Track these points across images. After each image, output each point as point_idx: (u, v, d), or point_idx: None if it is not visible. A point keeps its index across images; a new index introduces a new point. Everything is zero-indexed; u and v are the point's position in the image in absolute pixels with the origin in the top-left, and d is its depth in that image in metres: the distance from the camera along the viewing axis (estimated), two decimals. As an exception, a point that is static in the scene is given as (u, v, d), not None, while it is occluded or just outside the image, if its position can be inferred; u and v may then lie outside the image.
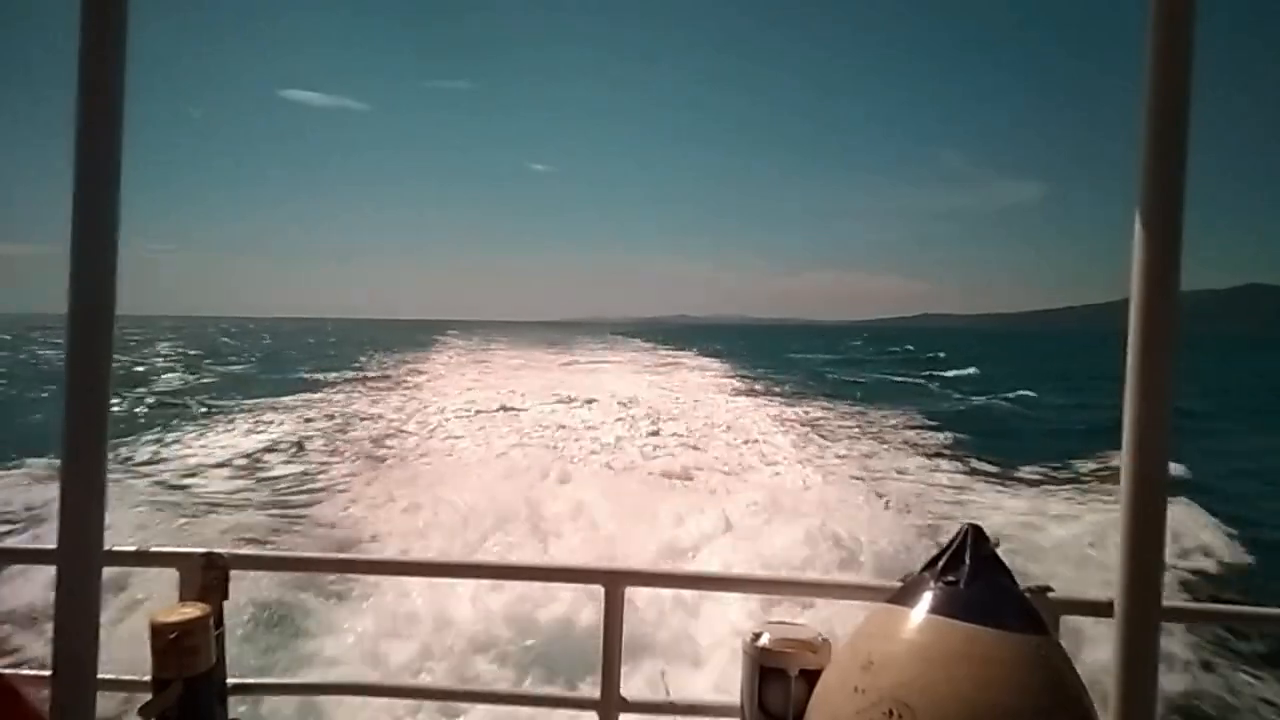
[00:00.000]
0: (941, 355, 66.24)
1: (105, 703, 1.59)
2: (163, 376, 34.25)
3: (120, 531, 7.45)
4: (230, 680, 2.09)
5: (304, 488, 11.57)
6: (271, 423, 18.10)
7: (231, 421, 18.34)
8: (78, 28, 1.34)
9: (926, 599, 1.66)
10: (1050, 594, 1.97)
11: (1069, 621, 1.97)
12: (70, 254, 1.34)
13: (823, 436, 17.56)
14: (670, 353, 48.09)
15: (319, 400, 23.32)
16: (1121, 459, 1.43)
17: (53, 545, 1.42)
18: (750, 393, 27.50)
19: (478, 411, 19.68)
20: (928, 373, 46.38)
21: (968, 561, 1.66)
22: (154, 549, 2.27)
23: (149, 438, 15.85)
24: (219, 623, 2.00)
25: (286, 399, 23.54)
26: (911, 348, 79.85)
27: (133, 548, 2.31)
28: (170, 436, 16.11)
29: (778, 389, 29.41)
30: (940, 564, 1.70)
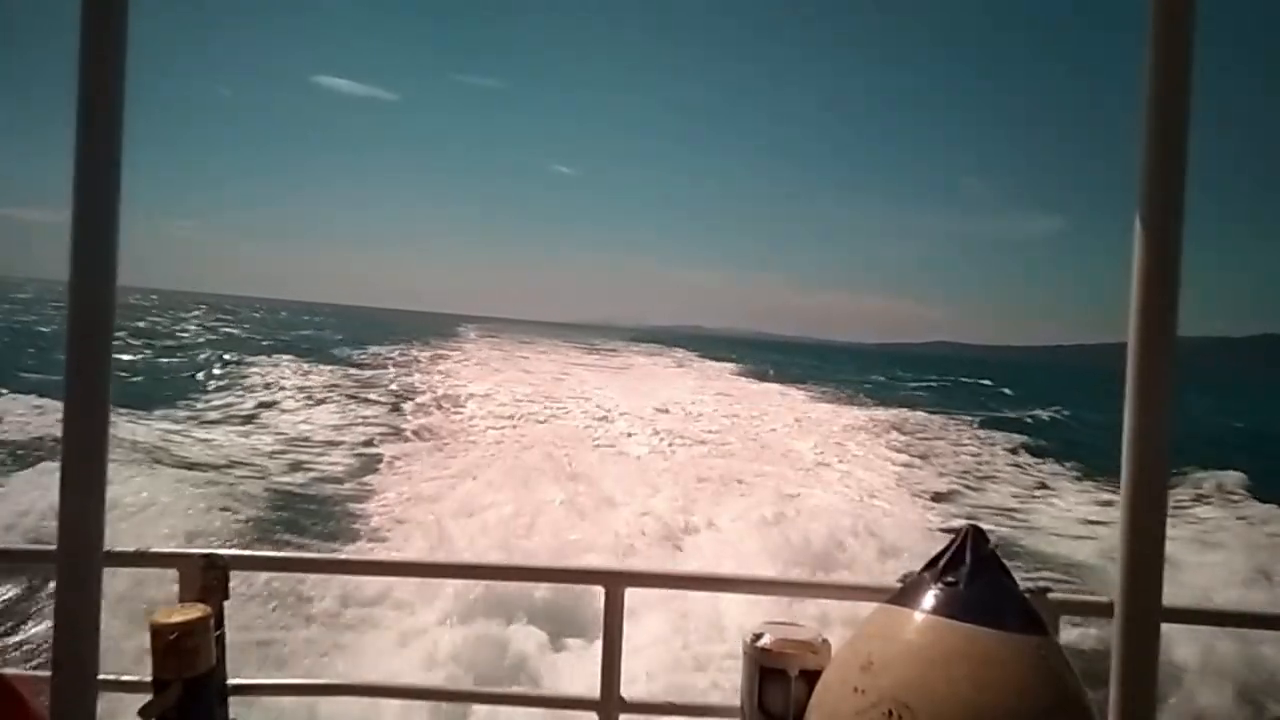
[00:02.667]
0: (985, 383, 61.77)
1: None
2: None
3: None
4: (230, 680, 2.09)
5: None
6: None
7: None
8: (78, 26, 1.33)
9: (926, 599, 1.66)
10: (1050, 594, 1.97)
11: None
12: (70, 259, 1.34)
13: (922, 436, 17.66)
14: (721, 363, 46.64)
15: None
16: (1122, 460, 1.43)
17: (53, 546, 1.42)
18: (829, 400, 27.50)
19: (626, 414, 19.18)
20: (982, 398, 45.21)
21: (968, 562, 1.67)
22: (154, 550, 2.27)
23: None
24: (219, 624, 2.00)
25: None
26: (939, 375, 76.11)
27: (132, 548, 2.31)
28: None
29: (847, 399, 28.74)
30: (940, 564, 1.70)
